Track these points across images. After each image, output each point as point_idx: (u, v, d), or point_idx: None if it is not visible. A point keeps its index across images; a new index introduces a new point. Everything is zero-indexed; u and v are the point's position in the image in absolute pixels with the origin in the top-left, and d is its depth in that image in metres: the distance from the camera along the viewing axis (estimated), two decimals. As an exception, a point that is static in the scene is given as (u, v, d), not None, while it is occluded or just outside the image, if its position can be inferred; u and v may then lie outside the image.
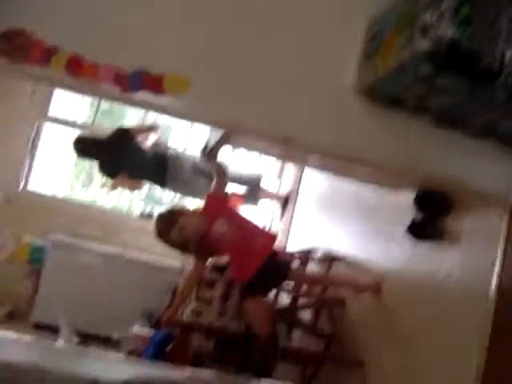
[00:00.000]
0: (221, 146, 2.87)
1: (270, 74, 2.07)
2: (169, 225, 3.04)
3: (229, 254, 3.31)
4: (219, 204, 3.20)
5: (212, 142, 2.93)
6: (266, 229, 3.34)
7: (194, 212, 3.16)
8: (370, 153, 2.13)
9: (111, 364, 1.71)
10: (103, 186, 5.58)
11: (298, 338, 4.16)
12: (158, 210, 6.63)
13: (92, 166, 5.60)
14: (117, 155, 5.03)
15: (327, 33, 2.12)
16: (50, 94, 6.31)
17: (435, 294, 2.74)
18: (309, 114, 2.09)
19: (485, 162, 2.19)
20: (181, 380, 1.40)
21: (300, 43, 2.10)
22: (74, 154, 5.38)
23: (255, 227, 3.32)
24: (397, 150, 2.13)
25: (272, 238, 3.35)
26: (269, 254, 3.13)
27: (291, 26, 2.11)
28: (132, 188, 5.47)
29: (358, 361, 3.29)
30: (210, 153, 3.09)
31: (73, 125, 6.38)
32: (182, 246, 3.11)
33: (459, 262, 2.58)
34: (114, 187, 5.49)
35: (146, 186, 6.10)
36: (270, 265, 3.11)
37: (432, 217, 2.80)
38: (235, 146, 2.91)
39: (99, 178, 5.47)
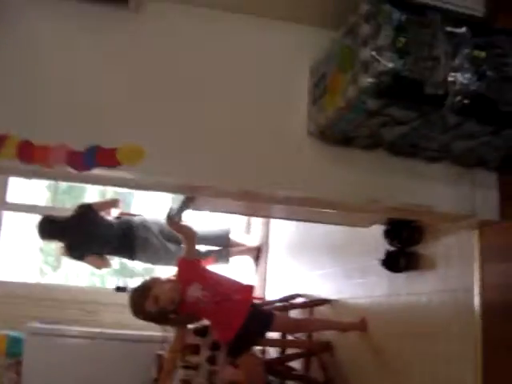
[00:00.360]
0: (184, 210, 2.85)
1: (222, 131, 2.08)
2: (142, 299, 2.96)
3: (208, 318, 3.26)
4: (191, 267, 3.16)
5: (175, 206, 2.92)
6: (242, 282, 3.31)
7: (167, 280, 3.10)
8: (331, 193, 2.14)
9: None
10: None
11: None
12: (131, 282, 6.56)
13: (58, 248, 5.50)
14: (82, 232, 4.96)
15: (273, 84, 2.16)
16: (6, 181, 6.25)
17: (420, 322, 2.73)
18: (264, 165, 2.10)
19: (445, 183, 2.22)
20: None
21: (249, 98, 2.14)
22: (39, 238, 5.30)
23: (231, 283, 3.28)
24: (357, 186, 2.15)
25: (249, 289, 3.30)
26: (248, 308, 3.09)
27: (237, 83, 2.14)
28: (101, 266, 5.38)
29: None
30: (175, 217, 3.06)
31: (33, 209, 6.30)
32: (159, 318, 3.04)
33: (439, 287, 2.58)
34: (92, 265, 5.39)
35: (117, 261, 6.03)
36: (251, 318, 3.07)
37: (404, 247, 2.81)
38: (199, 208, 2.89)
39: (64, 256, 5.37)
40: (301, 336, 4.04)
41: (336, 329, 3.50)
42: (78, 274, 6.79)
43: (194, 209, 2.87)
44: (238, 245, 5.64)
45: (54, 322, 5.73)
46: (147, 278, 3.27)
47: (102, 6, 2.08)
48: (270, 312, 3.45)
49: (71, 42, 2.08)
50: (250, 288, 3.34)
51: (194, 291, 3.02)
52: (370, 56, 1.73)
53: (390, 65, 1.72)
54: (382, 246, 2.93)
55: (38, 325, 5.61)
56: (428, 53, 1.79)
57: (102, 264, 5.28)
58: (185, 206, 2.72)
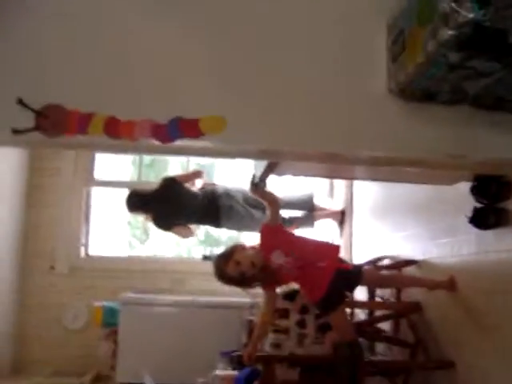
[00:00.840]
0: (267, 176, 2.88)
1: (302, 94, 2.08)
2: (224, 264, 3.10)
3: (295, 281, 3.31)
4: (274, 234, 3.21)
5: (258, 172, 2.95)
6: (328, 243, 3.34)
7: (249, 247, 3.17)
8: (415, 152, 2.10)
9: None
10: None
11: (381, 351, 4.10)
12: (218, 250, 6.69)
13: (146, 220, 5.67)
14: (168, 204, 5.09)
15: (351, 43, 2.12)
16: (93, 159, 6.47)
17: (511, 279, 2.67)
18: (345, 126, 2.08)
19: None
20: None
21: (327, 59, 2.11)
22: (127, 211, 5.47)
23: (316, 245, 3.32)
24: (441, 143, 2.10)
25: (335, 249, 3.34)
26: (334, 269, 3.11)
27: (314, 44, 2.11)
28: (187, 235, 5.51)
29: (448, 362, 3.22)
30: (258, 184, 3.10)
31: (119, 184, 6.50)
32: (241, 281, 3.16)
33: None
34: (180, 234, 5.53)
35: (202, 229, 6.15)
36: (340, 276, 3.12)
37: (492, 203, 2.74)
38: (281, 173, 2.91)
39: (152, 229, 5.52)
40: (389, 297, 4.04)
41: (424, 285, 3.48)
42: (164, 246, 6.97)
43: (276, 174, 2.90)
44: (322, 209, 5.64)
45: (146, 291, 5.94)
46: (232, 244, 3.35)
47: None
48: (358, 268, 3.48)
49: (147, 16, 2.11)
50: (335, 247, 3.38)
51: (277, 258, 3.09)
52: (449, 7, 1.69)
53: (471, 15, 1.66)
54: (469, 204, 2.87)
55: (131, 295, 5.83)
56: (509, 0, 1.72)
57: (188, 233, 5.41)
58: (267, 171, 2.74)
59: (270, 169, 2.67)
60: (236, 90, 2.07)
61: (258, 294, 4.30)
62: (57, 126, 2.00)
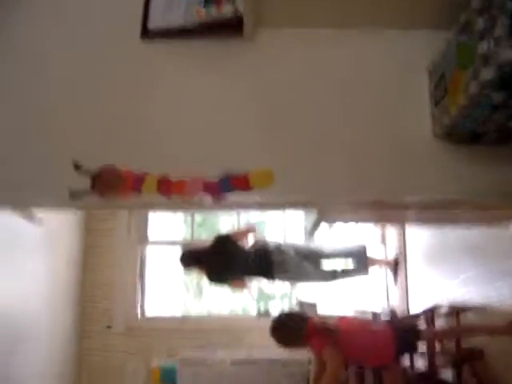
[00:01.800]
0: (318, 225, 2.90)
1: (348, 144, 2.12)
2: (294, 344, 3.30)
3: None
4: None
5: (308, 223, 2.97)
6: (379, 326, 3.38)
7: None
8: (465, 193, 2.10)
9: None
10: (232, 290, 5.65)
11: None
12: (271, 306, 6.65)
13: (199, 277, 5.70)
14: (222, 260, 5.12)
15: (394, 92, 2.18)
16: (146, 220, 6.58)
17: None
18: (394, 172, 2.10)
19: None
20: None
21: (371, 108, 2.15)
22: (180, 269, 5.52)
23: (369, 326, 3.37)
24: (491, 183, 2.09)
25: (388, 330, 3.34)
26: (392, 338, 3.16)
27: (358, 96, 2.17)
28: (244, 288, 5.51)
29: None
30: (311, 232, 3.12)
31: (172, 243, 6.57)
32: None
33: None
34: (234, 288, 5.54)
35: (256, 285, 6.14)
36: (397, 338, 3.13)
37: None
38: (332, 220, 2.93)
39: (210, 287, 5.55)
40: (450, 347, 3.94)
41: (484, 331, 3.39)
42: (218, 303, 6.96)
43: (327, 221, 2.91)
44: (375, 260, 5.59)
45: (203, 350, 5.93)
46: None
47: (218, 40, 2.21)
48: (413, 328, 3.45)
49: (192, 82, 2.21)
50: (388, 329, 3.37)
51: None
52: (488, 49, 1.71)
53: (510, 54, 1.69)
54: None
55: (188, 354, 5.84)
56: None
57: (244, 286, 5.41)
58: (319, 221, 2.76)
59: (320, 218, 2.69)
60: (282, 143, 2.12)
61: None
62: (112, 188, 2.07)
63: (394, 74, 2.18)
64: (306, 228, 3.10)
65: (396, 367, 3.25)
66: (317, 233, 3.07)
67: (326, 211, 2.58)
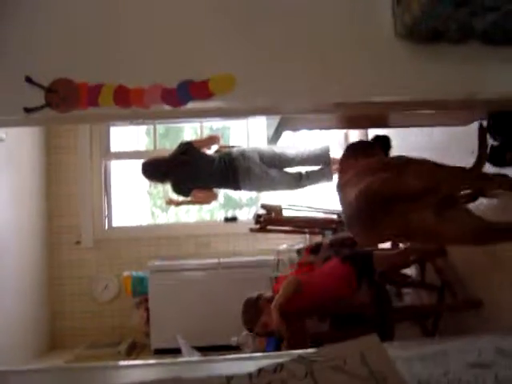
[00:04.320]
0: (281, 132, 2.87)
1: (308, 45, 2.06)
2: (253, 322, 3.48)
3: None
4: None
5: (271, 131, 2.94)
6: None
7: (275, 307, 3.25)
8: (427, 93, 2.08)
9: (241, 361, 1.77)
10: (178, 204, 5.66)
11: (409, 297, 4.13)
12: (239, 212, 6.72)
13: (166, 187, 5.70)
14: (186, 169, 5.10)
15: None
16: (108, 133, 6.51)
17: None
18: (356, 74, 2.06)
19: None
20: (310, 354, 1.42)
21: (330, 7, 2.08)
22: (145, 181, 5.51)
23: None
24: (453, 82, 2.07)
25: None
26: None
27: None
28: (209, 200, 5.53)
29: (476, 301, 3.24)
30: (274, 139, 3.09)
31: (136, 155, 6.53)
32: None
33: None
34: (190, 202, 5.56)
35: (222, 193, 6.17)
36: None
37: (509, 139, 2.72)
38: (296, 128, 2.91)
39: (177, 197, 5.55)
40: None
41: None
42: (187, 212, 7.01)
43: (291, 129, 2.89)
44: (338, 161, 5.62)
45: (173, 258, 6.02)
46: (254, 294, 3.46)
47: None
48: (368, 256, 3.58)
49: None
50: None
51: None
52: None
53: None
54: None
55: (157, 263, 5.92)
56: None
57: (209, 197, 5.43)
58: (281, 127, 2.74)
59: (282, 124, 2.66)
60: (243, 46, 2.06)
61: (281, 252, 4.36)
62: (67, 101, 2.01)
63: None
64: (268, 135, 3.07)
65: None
66: (281, 139, 3.05)
67: (288, 118, 2.55)
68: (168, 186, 5.36)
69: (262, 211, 4.79)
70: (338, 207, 2.66)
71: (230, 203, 7.16)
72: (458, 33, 2.00)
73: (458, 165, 2.50)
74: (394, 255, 3.75)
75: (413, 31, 2.00)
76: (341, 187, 2.55)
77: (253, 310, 3.45)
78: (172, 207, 6.07)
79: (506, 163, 2.76)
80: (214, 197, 5.44)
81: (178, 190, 5.29)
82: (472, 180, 2.53)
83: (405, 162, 2.34)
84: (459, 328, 3.46)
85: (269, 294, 3.54)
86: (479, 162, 2.53)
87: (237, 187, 5.24)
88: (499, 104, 2.36)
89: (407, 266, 3.93)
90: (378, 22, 2.06)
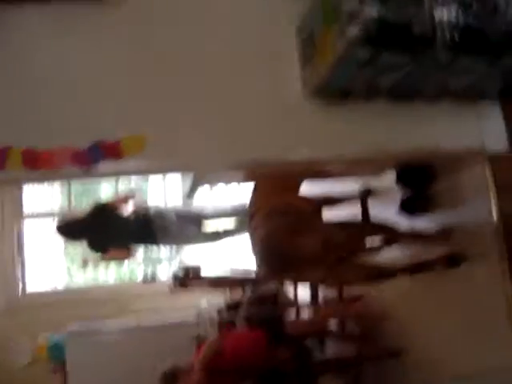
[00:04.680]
0: (196, 188, 2.87)
1: (218, 106, 2.08)
2: None
3: None
4: None
5: (187, 187, 2.94)
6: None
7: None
8: (337, 149, 2.14)
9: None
10: (95, 264, 5.55)
11: (331, 348, 4.13)
12: (159, 270, 6.61)
13: (82, 247, 5.56)
14: (101, 229, 5.01)
15: (262, 51, 2.14)
16: (21, 193, 6.31)
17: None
18: (266, 132, 2.09)
19: (450, 121, 2.22)
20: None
21: (239, 68, 2.12)
22: (60, 240, 5.37)
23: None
24: (362, 138, 2.14)
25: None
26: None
27: (225, 55, 2.12)
28: (124, 257, 5.43)
29: (395, 351, 3.27)
30: (190, 195, 3.09)
31: (51, 214, 6.35)
32: None
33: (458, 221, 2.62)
34: (106, 260, 5.46)
35: (141, 250, 6.07)
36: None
37: (418, 190, 2.83)
38: (211, 182, 2.91)
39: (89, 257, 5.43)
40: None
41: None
42: (106, 271, 6.85)
43: (206, 184, 2.89)
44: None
45: (91, 320, 5.83)
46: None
47: (78, 3, 2.08)
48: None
49: (57, 45, 2.08)
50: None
51: None
52: (353, 7, 1.73)
53: (374, 12, 1.71)
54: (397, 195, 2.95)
55: (75, 326, 5.71)
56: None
57: (125, 254, 5.33)
58: (196, 183, 2.73)
59: (197, 180, 2.66)
60: (153, 107, 2.05)
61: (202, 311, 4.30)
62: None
63: (263, 31, 2.16)
64: (184, 191, 3.06)
65: None
66: (196, 195, 3.05)
67: (202, 174, 2.55)
68: (84, 245, 5.23)
69: (180, 271, 4.75)
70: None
71: (149, 260, 7.04)
72: (365, 91, 2.07)
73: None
74: (307, 324, 3.79)
75: (321, 90, 2.05)
76: (251, 221, 2.69)
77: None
78: (89, 267, 5.92)
79: (417, 211, 2.86)
80: (130, 253, 5.35)
81: (93, 248, 5.16)
82: (365, 234, 2.83)
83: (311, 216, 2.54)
84: (381, 378, 3.48)
85: (184, 363, 3.46)
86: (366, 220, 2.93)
87: (155, 243, 5.18)
88: (407, 157, 2.44)
89: (321, 335, 3.97)
90: (287, 81, 2.11)
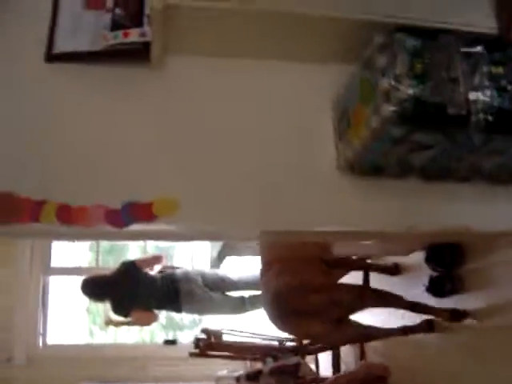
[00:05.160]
0: (225, 256, 2.88)
1: (253, 176, 2.12)
2: None
3: None
4: None
5: (214, 253, 2.95)
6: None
7: None
8: (367, 225, 2.13)
9: None
10: (118, 325, 5.52)
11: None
12: (180, 335, 6.56)
13: (105, 306, 5.55)
14: (126, 289, 5.01)
15: (298, 127, 2.19)
16: (49, 247, 6.38)
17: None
18: (299, 205, 2.11)
19: (481, 202, 2.20)
20: None
21: (274, 143, 2.16)
22: (85, 299, 5.37)
23: None
24: (392, 215, 2.14)
25: None
26: None
27: (261, 129, 2.18)
28: (148, 322, 5.41)
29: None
30: (216, 264, 3.10)
31: (77, 271, 6.39)
32: None
33: (485, 307, 2.57)
34: (130, 324, 5.44)
35: (164, 314, 6.05)
36: None
37: (448, 271, 2.79)
38: (239, 253, 2.92)
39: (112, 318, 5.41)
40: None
41: None
42: (127, 331, 6.81)
43: (234, 254, 2.90)
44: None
45: (108, 380, 5.76)
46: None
47: (124, 66, 2.16)
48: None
49: (97, 107, 2.14)
50: None
51: None
52: (389, 85, 1.76)
53: (410, 91, 1.74)
54: (425, 273, 2.91)
55: (91, 385, 5.65)
56: (446, 75, 1.81)
57: (149, 318, 5.31)
58: (224, 252, 2.74)
59: (226, 249, 2.68)
60: (189, 171, 2.09)
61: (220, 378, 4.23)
62: (7, 214, 1.97)
63: (299, 108, 2.21)
64: (212, 258, 3.08)
65: None
66: (224, 263, 3.06)
67: (231, 243, 2.56)
68: (108, 305, 5.23)
69: (202, 335, 4.69)
70: (279, 334, 2.75)
71: (171, 325, 6.99)
72: (398, 168, 2.09)
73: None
74: None
75: (354, 165, 2.07)
76: (263, 276, 2.83)
77: None
78: (111, 327, 5.90)
79: (445, 294, 2.81)
80: (154, 318, 5.33)
81: (117, 309, 5.16)
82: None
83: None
84: None
85: None
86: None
87: (178, 309, 5.15)
88: (437, 236, 2.43)
89: None
90: (322, 155, 2.14)
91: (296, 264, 2.77)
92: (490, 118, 1.81)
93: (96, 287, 5.11)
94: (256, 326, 5.63)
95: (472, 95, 1.81)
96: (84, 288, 5.11)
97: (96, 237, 2.45)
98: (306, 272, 2.81)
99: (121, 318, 5.24)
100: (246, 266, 5.61)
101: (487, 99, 1.81)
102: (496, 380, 2.57)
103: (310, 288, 2.76)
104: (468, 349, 2.79)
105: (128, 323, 5.30)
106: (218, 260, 2.89)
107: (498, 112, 1.81)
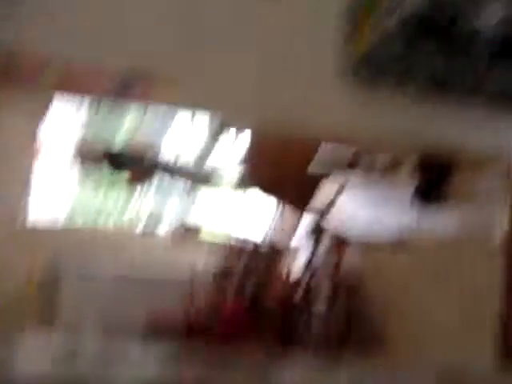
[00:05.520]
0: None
1: (256, 69, 2.11)
2: None
3: None
4: None
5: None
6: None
7: None
8: (364, 131, 2.16)
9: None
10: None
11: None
12: (160, 227, 6.61)
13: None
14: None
15: (308, 26, 2.14)
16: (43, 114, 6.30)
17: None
18: (297, 102, 2.11)
19: (478, 122, 2.21)
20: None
21: (279, 38, 2.13)
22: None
23: None
24: (389, 124, 2.16)
25: None
26: None
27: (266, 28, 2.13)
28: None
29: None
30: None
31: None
32: None
33: (466, 221, 2.64)
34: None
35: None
36: None
37: (436, 181, 2.85)
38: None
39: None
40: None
41: None
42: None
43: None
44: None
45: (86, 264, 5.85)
46: None
47: None
48: None
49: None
50: None
51: None
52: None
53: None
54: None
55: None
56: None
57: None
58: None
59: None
60: (189, 49, 2.07)
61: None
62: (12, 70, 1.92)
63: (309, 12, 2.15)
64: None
65: None
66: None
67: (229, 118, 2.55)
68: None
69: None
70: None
71: (151, 216, 7.06)
72: (400, 78, 2.08)
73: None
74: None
75: (357, 70, 2.06)
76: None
77: None
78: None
79: (431, 200, 2.90)
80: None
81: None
82: None
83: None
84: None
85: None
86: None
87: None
88: (429, 149, 2.44)
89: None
90: (325, 57, 2.11)
91: None
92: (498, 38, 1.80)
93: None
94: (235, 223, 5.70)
95: (485, 12, 1.78)
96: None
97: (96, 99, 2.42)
98: None
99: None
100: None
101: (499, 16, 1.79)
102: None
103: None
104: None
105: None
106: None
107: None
